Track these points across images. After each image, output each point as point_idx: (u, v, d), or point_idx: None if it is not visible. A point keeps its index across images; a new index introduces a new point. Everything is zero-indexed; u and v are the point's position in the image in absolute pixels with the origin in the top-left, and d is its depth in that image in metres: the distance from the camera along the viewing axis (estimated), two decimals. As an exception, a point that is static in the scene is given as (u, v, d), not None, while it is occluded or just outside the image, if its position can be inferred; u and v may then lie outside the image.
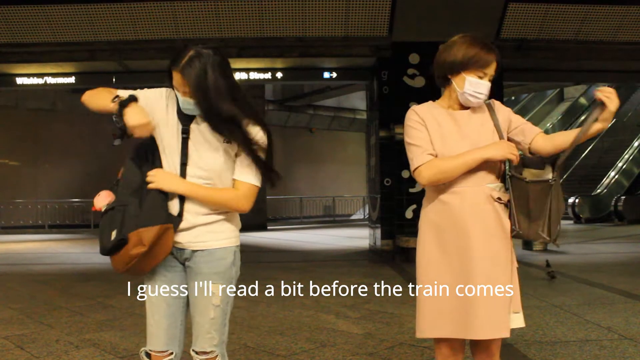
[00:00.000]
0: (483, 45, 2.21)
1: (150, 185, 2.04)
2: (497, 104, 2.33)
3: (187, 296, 2.18)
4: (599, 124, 2.18)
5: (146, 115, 2.03)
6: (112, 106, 2.04)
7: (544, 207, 2.17)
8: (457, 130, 2.23)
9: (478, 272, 2.14)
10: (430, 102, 2.33)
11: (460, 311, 2.14)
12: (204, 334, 2.14)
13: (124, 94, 2.08)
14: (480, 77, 2.20)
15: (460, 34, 2.27)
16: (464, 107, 2.27)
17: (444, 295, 2.17)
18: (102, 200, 2.09)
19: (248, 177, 2.12)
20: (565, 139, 2.21)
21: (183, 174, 2.08)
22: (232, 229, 2.19)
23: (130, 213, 2.01)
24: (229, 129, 2.04)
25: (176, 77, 2.02)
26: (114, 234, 2.00)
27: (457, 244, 2.18)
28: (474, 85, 2.19)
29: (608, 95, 2.12)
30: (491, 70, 2.22)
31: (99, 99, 2.14)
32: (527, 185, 2.17)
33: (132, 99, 2.05)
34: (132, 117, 2.00)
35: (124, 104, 2.02)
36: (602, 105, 2.15)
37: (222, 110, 2.00)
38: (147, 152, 2.13)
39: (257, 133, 2.13)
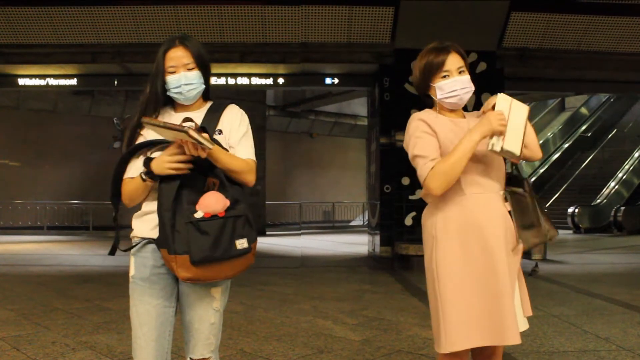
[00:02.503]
0: (431, 49, 2.23)
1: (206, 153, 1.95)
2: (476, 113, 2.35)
3: (177, 305, 2.15)
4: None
5: (168, 159, 1.97)
6: (144, 180, 2.02)
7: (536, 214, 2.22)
8: (459, 132, 2.21)
9: (503, 279, 2.11)
10: (429, 110, 2.30)
11: (491, 318, 2.09)
12: (204, 340, 2.11)
13: (139, 165, 2.05)
14: (445, 77, 2.20)
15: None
16: (460, 116, 2.28)
17: (472, 304, 2.10)
18: (219, 204, 1.95)
19: (248, 153, 2.14)
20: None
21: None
22: None
23: (252, 224, 2.00)
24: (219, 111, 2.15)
25: (176, 53, 2.07)
26: (241, 243, 1.96)
27: (480, 251, 2.13)
28: (444, 89, 2.20)
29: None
30: (452, 64, 2.20)
31: (132, 188, 2.08)
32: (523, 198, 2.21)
33: (149, 160, 2.01)
34: (162, 167, 1.97)
35: (147, 165, 2.00)
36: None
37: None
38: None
39: (240, 112, 2.22)
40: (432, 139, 2.16)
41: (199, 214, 1.93)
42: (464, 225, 2.15)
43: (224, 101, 2.23)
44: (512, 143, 2.07)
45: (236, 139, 2.15)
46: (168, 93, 2.10)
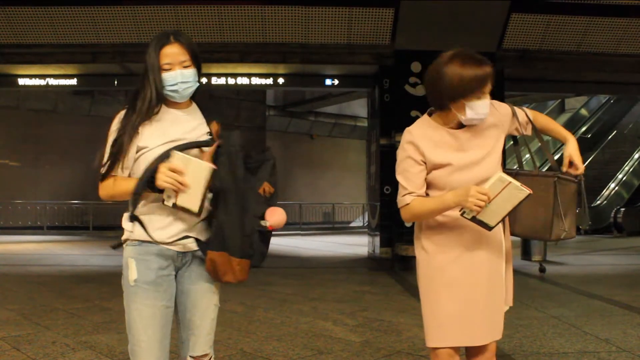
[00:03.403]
0: (476, 64, 2.05)
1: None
2: (495, 104, 2.22)
3: (176, 304, 2.14)
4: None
5: (171, 173, 1.95)
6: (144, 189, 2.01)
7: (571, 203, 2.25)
8: (458, 146, 2.15)
9: (484, 282, 2.16)
10: (426, 118, 2.23)
11: (466, 319, 2.14)
12: (205, 335, 2.13)
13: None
14: (479, 98, 2.07)
15: (448, 54, 2.10)
16: (461, 126, 2.17)
17: (448, 305, 2.15)
18: (283, 221, 2.13)
19: None
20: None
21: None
22: None
23: None
24: (210, 107, 2.17)
25: (171, 50, 2.03)
26: (263, 249, 2.15)
27: (461, 256, 2.16)
28: (475, 109, 2.07)
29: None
30: (489, 86, 2.09)
31: (122, 187, 2.04)
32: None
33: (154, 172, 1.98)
34: (165, 180, 1.95)
35: (152, 176, 1.98)
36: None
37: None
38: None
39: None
40: (417, 167, 2.14)
41: (265, 223, 2.08)
42: (446, 228, 2.18)
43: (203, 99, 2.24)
44: (489, 218, 2.02)
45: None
46: (162, 90, 2.05)
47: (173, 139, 2.04)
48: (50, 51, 9.94)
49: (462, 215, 2.04)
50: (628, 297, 6.53)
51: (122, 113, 2.07)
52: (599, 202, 19.12)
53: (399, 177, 2.18)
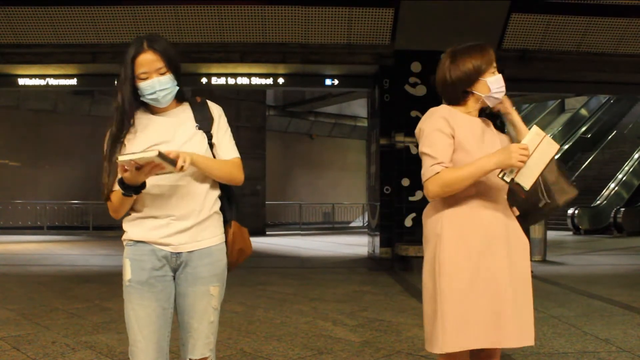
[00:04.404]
0: (475, 46, 2.24)
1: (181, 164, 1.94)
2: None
3: (175, 305, 2.15)
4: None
5: (139, 174, 1.93)
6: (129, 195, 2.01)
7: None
8: (479, 134, 2.20)
9: (502, 280, 2.11)
10: (446, 106, 2.26)
11: (489, 319, 2.09)
12: (203, 339, 2.12)
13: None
14: (494, 73, 2.23)
15: (449, 51, 2.28)
16: (475, 115, 2.27)
17: (471, 304, 2.09)
18: None
19: (233, 152, 2.18)
20: None
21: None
22: (220, 224, 2.19)
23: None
24: (200, 108, 2.17)
25: (145, 58, 2.02)
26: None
27: (483, 251, 2.12)
28: (495, 83, 2.21)
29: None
30: (495, 61, 2.26)
31: (119, 204, 2.07)
32: None
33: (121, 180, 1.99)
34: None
35: (122, 185, 1.97)
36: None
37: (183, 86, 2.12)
38: None
39: (218, 108, 2.22)
40: (447, 141, 2.13)
41: None
42: (469, 225, 2.14)
43: (195, 98, 2.23)
44: (525, 178, 2.04)
45: (221, 137, 2.18)
46: (142, 99, 2.07)
47: (155, 142, 2.04)
48: (50, 51, 9.94)
49: (501, 178, 2.05)
50: (628, 297, 6.53)
51: (109, 130, 2.10)
52: (598, 202, 19.11)
53: (425, 149, 2.14)
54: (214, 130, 2.15)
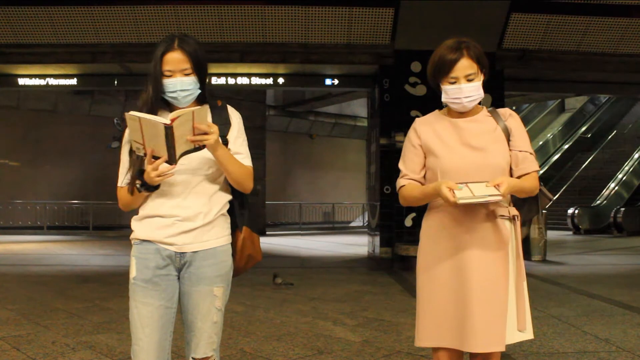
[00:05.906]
0: (446, 47, 2.16)
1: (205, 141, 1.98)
2: (501, 112, 2.27)
3: (178, 304, 2.16)
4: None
5: (152, 171, 1.98)
6: (140, 191, 2.06)
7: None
8: (458, 138, 2.19)
9: (474, 285, 2.11)
10: (437, 111, 2.31)
11: (458, 322, 2.12)
12: (206, 339, 2.13)
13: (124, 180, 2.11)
14: (452, 83, 2.14)
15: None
16: (466, 115, 2.23)
17: (444, 305, 2.15)
18: None
19: (247, 161, 2.18)
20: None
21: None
22: (227, 226, 2.21)
23: None
24: (218, 113, 2.17)
25: (173, 57, 2.04)
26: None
27: (454, 256, 2.16)
28: (449, 93, 2.16)
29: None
30: (461, 71, 2.12)
31: (130, 198, 2.11)
32: None
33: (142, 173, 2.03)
34: (151, 180, 2.00)
35: (141, 177, 2.02)
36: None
37: (206, 89, 2.13)
38: None
39: (237, 115, 2.23)
40: (414, 151, 2.26)
41: None
42: (443, 228, 2.20)
43: (216, 101, 2.23)
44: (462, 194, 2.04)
45: (238, 145, 2.18)
46: (163, 95, 2.09)
47: None
48: (50, 51, 9.94)
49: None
50: (628, 297, 6.53)
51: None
52: (598, 202, 19.12)
53: (400, 162, 2.31)
54: (230, 136, 2.16)
